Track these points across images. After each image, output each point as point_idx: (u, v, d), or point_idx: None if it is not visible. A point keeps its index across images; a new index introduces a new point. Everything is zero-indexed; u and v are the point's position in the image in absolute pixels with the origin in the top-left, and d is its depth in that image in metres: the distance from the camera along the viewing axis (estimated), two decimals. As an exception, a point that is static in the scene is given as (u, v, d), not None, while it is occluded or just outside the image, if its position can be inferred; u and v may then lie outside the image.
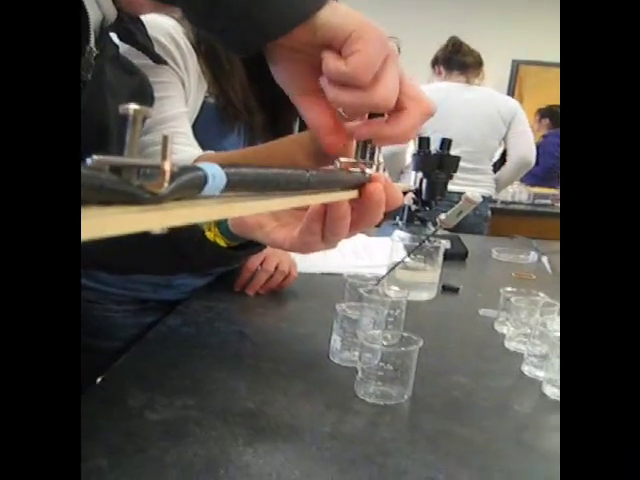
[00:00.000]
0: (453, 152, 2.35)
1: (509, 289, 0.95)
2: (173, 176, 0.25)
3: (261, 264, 1.02)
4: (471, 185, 2.43)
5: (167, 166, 0.24)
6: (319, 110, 0.49)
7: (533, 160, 2.60)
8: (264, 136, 0.97)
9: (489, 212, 2.62)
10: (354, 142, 0.53)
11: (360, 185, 0.49)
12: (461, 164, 2.43)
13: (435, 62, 2.63)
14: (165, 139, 0.24)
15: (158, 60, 0.72)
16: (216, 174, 0.28)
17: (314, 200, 0.41)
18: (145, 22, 0.88)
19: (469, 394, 0.70)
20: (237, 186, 0.30)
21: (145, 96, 0.73)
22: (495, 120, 2.52)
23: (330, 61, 0.45)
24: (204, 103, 0.96)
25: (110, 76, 0.64)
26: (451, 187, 2.13)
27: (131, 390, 0.64)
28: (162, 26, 0.89)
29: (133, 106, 0.23)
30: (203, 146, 0.87)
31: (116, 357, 0.74)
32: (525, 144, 2.58)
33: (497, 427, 0.62)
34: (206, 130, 0.94)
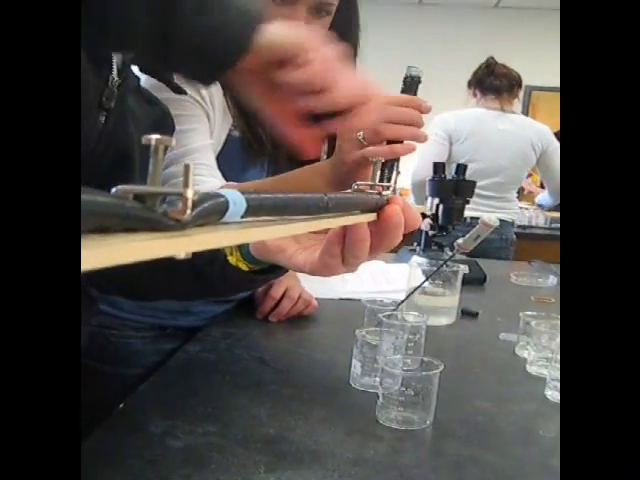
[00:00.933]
0: (483, 182, 2.34)
1: (529, 313, 0.94)
2: (195, 203, 0.26)
3: (284, 293, 1.03)
4: (495, 211, 2.42)
5: (189, 194, 0.25)
6: (285, 117, 0.52)
7: None
8: (289, 168, 0.98)
9: (514, 236, 2.60)
10: (371, 167, 0.54)
11: (378, 208, 0.49)
12: (488, 193, 2.47)
13: (470, 83, 2.57)
14: (187, 168, 0.25)
15: (179, 90, 0.74)
16: (237, 200, 0.28)
17: (333, 224, 0.42)
18: None
19: (493, 419, 0.69)
20: (257, 211, 0.30)
21: (166, 126, 0.75)
22: (528, 152, 2.49)
23: (291, 74, 0.47)
24: (229, 136, 0.97)
25: (133, 106, 0.65)
26: (474, 213, 2.12)
27: (152, 417, 0.64)
28: None
29: (155, 136, 0.24)
30: (226, 178, 0.88)
31: (136, 384, 0.74)
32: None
33: (522, 453, 0.61)
34: (230, 163, 0.95)
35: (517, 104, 2.63)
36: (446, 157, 2.39)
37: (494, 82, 2.49)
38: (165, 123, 0.74)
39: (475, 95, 2.55)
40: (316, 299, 1.09)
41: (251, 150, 0.97)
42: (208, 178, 0.85)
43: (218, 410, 0.67)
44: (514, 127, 2.48)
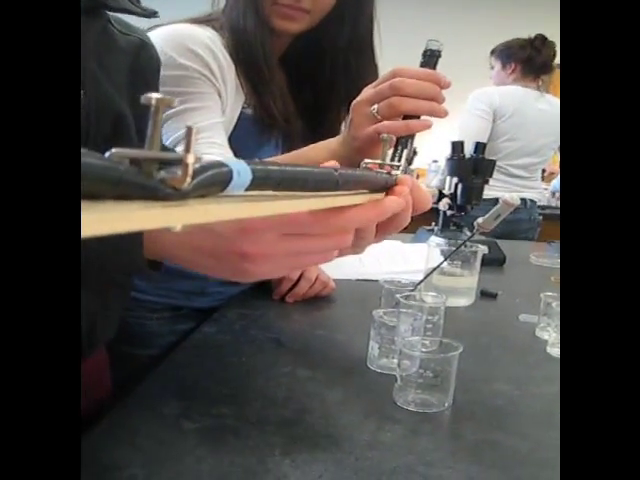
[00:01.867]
0: (518, 162, 2.32)
1: (550, 294, 0.93)
2: (196, 172, 0.23)
3: (302, 274, 1.02)
4: (525, 191, 2.38)
5: (190, 159, 0.23)
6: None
7: None
8: (303, 145, 0.97)
9: (540, 217, 2.56)
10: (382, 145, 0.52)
11: (387, 188, 0.48)
12: (521, 173, 2.42)
13: (508, 58, 2.44)
14: (189, 131, 0.23)
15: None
16: (241, 170, 0.27)
17: (341, 202, 0.40)
18: (182, 33, 0.88)
19: (512, 402, 0.67)
20: (263, 184, 0.28)
21: (148, 59, 0.69)
22: (558, 134, 2.44)
23: None
24: (241, 114, 0.96)
25: (106, 59, 0.60)
26: (502, 193, 2.09)
27: (167, 398, 0.63)
28: (199, 37, 0.89)
29: (155, 95, 0.22)
30: (239, 157, 0.87)
31: (151, 364, 0.74)
32: None
33: (543, 436, 0.60)
34: (243, 141, 0.94)
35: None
36: (488, 134, 2.33)
37: (543, 60, 2.39)
38: (146, 55, 0.68)
39: (513, 72, 2.44)
40: (333, 280, 1.08)
41: (263, 126, 0.95)
42: (219, 157, 0.84)
43: (233, 392, 0.66)
44: (551, 108, 2.43)
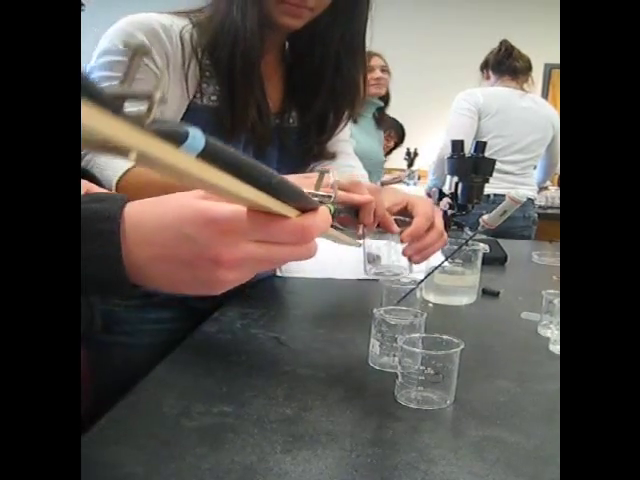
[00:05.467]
0: (507, 159, 2.36)
1: (552, 291, 0.92)
2: (157, 120, 0.25)
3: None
4: (518, 187, 2.41)
5: (157, 96, 0.24)
6: None
7: None
8: (274, 150, 0.97)
9: (536, 215, 2.59)
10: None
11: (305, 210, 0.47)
12: (511, 170, 2.45)
13: (485, 66, 2.60)
14: (162, 75, 0.25)
15: None
16: (197, 136, 0.28)
17: (275, 205, 0.40)
18: (132, 20, 0.90)
19: (515, 399, 0.67)
20: (213, 158, 0.30)
21: None
22: (548, 130, 2.53)
23: None
24: (206, 107, 0.95)
25: None
26: (496, 190, 2.11)
27: (167, 397, 0.63)
28: (145, 22, 0.91)
29: (135, 42, 0.25)
30: None
31: (120, 351, 0.71)
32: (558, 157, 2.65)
33: (547, 433, 0.59)
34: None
35: (537, 84, 2.66)
36: (474, 132, 2.41)
37: (513, 63, 2.51)
38: None
39: (488, 78, 2.59)
40: (333, 280, 1.07)
41: (223, 127, 0.94)
42: None
43: (234, 390, 0.65)
44: (536, 105, 2.53)
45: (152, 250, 0.45)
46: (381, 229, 0.85)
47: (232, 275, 0.44)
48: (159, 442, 0.54)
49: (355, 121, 2.13)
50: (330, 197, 0.54)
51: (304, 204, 0.44)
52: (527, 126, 2.48)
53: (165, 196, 0.46)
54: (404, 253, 0.83)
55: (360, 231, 0.84)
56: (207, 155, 0.29)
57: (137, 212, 0.46)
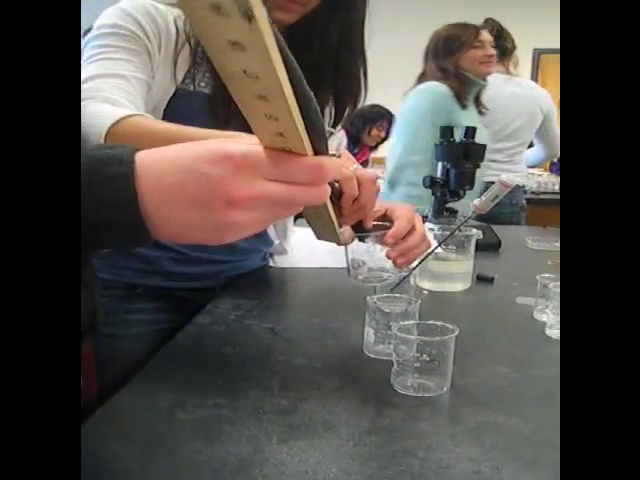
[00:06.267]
0: (497, 146, 2.34)
1: (546, 275, 0.92)
2: None
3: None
4: (503, 174, 2.40)
5: None
6: None
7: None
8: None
9: (524, 201, 2.57)
10: None
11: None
12: (499, 157, 2.43)
13: None
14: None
15: None
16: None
17: (298, 123, 0.40)
18: (130, 1, 0.90)
19: (512, 384, 0.67)
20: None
21: None
22: (536, 115, 2.49)
23: None
24: (198, 93, 0.94)
25: None
26: (486, 178, 2.10)
27: (162, 390, 0.62)
28: (142, 3, 0.90)
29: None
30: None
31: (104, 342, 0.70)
32: (558, 139, 2.59)
33: (544, 417, 0.59)
34: (192, 119, 0.91)
35: (526, 70, 2.61)
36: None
37: (504, 44, 2.44)
38: None
39: None
40: (327, 269, 1.07)
41: (218, 107, 0.93)
42: (128, 103, 0.82)
43: (228, 382, 0.65)
44: (522, 89, 2.48)
45: (163, 194, 0.42)
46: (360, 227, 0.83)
47: (245, 215, 0.42)
48: (154, 435, 0.54)
49: (464, 106, 2.08)
50: (334, 156, 0.53)
51: (319, 145, 0.43)
52: (513, 112, 2.44)
53: (174, 145, 0.45)
54: (388, 254, 0.82)
55: (344, 230, 0.82)
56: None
57: (148, 158, 0.44)
